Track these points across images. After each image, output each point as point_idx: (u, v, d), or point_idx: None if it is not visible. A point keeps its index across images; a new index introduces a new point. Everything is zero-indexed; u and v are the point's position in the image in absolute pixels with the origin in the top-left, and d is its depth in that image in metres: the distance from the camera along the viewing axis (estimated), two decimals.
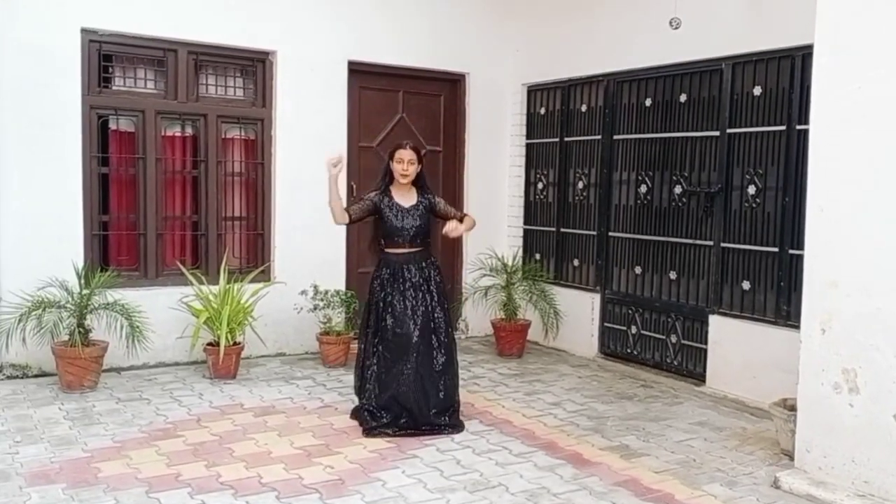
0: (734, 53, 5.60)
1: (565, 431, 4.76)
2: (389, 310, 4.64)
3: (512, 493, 3.82)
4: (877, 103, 3.72)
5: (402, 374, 4.57)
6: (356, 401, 4.91)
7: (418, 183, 4.80)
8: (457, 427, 4.69)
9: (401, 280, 4.66)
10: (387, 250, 4.75)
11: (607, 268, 6.77)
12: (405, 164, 4.66)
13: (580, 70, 6.91)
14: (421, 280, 4.69)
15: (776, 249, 5.40)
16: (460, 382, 5.77)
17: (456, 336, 4.90)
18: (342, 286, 6.62)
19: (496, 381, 5.95)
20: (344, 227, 6.73)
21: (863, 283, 3.77)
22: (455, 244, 7.41)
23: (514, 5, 7.48)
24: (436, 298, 4.72)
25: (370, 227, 4.95)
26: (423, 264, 4.74)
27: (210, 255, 6.38)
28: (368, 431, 4.58)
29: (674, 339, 6.17)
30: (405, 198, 4.74)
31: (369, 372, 4.71)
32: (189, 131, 6.36)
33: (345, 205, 4.86)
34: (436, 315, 4.70)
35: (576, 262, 7.10)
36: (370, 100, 7.02)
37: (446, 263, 6.96)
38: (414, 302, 4.64)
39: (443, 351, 4.69)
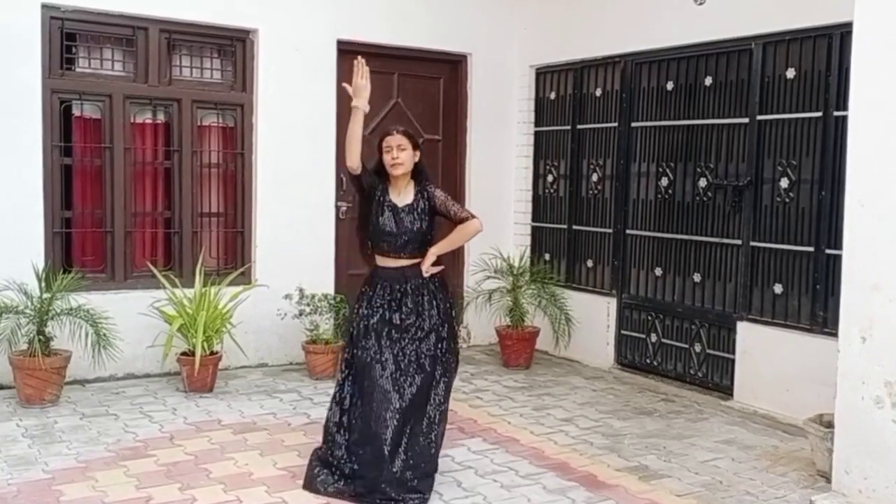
0: (765, 32, 5.60)
1: (578, 450, 4.77)
2: (363, 342, 4.12)
3: None
4: None
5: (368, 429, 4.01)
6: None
7: (416, 177, 4.29)
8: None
9: (385, 305, 4.14)
10: (376, 260, 4.28)
11: (624, 269, 6.77)
12: (394, 150, 4.15)
13: (594, 50, 6.91)
14: (414, 308, 4.14)
15: (811, 249, 5.41)
16: (462, 397, 5.80)
17: (457, 345, 4.52)
18: (331, 290, 6.62)
19: (501, 395, 5.95)
20: (332, 225, 6.77)
21: None
22: None
23: None
24: (433, 341, 4.13)
25: (356, 223, 4.48)
26: (421, 285, 4.18)
27: (184, 256, 6.38)
28: (309, 484, 4.09)
29: (698, 348, 6.17)
30: (399, 197, 4.22)
31: (337, 409, 4.20)
32: (161, 118, 6.36)
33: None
34: (428, 368, 4.09)
35: (589, 263, 7.11)
36: None
37: (445, 264, 6.93)
38: (398, 339, 4.09)
39: (427, 423, 4.07)
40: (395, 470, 3.93)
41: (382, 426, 3.96)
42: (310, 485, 4.09)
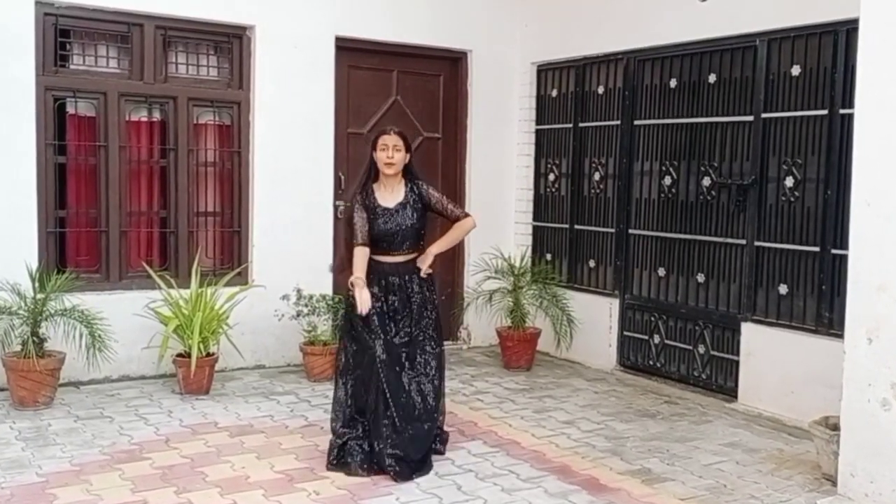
0: (770, 28, 5.59)
1: (580, 453, 4.77)
2: (366, 330, 4.43)
3: None
4: None
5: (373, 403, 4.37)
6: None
7: (406, 174, 4.61)
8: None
9: (384, 294, 4.49)
10: (373, 257, 4.53)
11: (627, 269, 6.77)
12: (390, 150, 4.46)
13: (597, 47, 6.91)
14: (406, 298, 4.51)
15: (817, 249, 5.40)
16: (463, 399, 5.80)
17: (457, 347, 4.71)
18: (329, 290, 6.62)
19: (502, 397, 5.95)
20: (330, 225, 6.78)
21: None
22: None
23: None
24: (424, 325, 4.54)
25: (344, 228, 4.80)
26: (411, 279, 4.54)
27: (180, 256, 6.38)
28: (331, 464, 4.42)
29: (702, 349, 6.17)
30: (391, 195, 4.54)
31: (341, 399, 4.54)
32: (156, 116, 6.35)
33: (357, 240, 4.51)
34: (422, 344, 4.52)
35: (592, 264, 7.11)
36: (360, 80, 7.01)
37: (445, 264, 6.96)
38: (396, 324, 4.48)
39: (430, 397, 4.49)
40: (396, 438, 4.29)
41: (389, 398, 4.32)
42: (336, 461, 4.39)
